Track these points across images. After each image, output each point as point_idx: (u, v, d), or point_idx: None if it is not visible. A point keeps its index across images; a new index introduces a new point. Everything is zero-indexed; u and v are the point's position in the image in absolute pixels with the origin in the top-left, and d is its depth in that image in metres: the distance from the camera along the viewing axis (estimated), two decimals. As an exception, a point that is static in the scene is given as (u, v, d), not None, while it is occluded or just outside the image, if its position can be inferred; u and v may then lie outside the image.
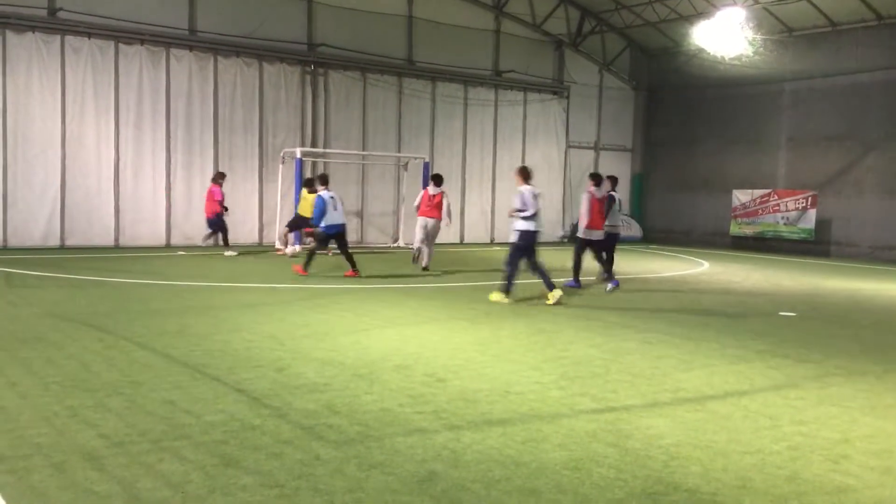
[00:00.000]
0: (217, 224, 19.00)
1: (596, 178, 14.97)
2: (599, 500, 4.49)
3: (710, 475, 4.94)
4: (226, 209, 19.03)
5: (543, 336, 9.57)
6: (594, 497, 4.54)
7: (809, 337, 10.22)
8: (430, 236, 16.41)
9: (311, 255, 15.20)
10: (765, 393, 7.14)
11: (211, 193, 19.06)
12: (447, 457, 5.12)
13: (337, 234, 15.01)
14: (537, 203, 12.44)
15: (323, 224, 14.76)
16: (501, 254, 22.54)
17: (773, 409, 6.55)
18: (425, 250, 16.46)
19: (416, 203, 16.79)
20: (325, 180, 15.72)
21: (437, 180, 16.76)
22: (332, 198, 14.92)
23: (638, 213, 30.63)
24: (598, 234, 14.52)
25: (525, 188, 12.53)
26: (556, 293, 12.26)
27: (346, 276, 14.92)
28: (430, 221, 16.25)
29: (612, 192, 15.42)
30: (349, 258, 15.23)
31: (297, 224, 18.92)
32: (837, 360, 8.67)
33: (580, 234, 14.64)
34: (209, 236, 19.34)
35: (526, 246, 12.44)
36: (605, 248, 15.16)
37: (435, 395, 6.62)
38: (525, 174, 12.74)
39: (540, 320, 10.74)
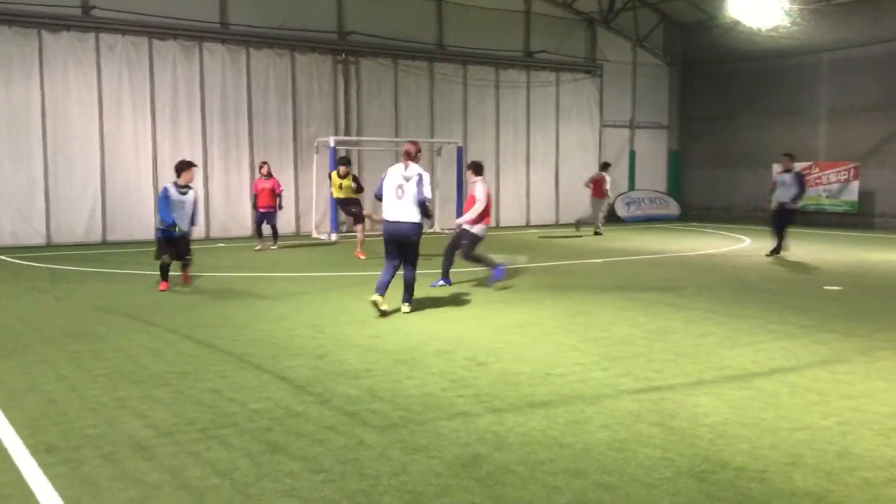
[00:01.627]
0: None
1: (477, 168, 12.35)
2: (646, 480, 4.45)
3: (759, 452, 4.88)
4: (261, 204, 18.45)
5: (584, 317, 9.51)
6: (640, 477, 4.50)
7: (855, 311, 10.03)
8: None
9: (182, 264, 12.19)
10: (812, 368, 7.04)
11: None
12: (491, 440, 5.11)
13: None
14: None
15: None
16: (534, 236, 22.51)
17: (821, 385, 6.45)
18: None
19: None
20: (180, 168, 12.05)
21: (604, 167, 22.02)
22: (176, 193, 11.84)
23: (675, 190, 30.29)
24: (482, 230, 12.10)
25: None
26: None
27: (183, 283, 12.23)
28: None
29: (797, 171, 16.24)
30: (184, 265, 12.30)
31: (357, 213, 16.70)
32: (885, 334, 8.51)
33: (475, 230, 11.87)
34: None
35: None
36: (782, 223, 16.00)
37: (476, 379, 6.62)
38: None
39: (580, 301, 10.67)
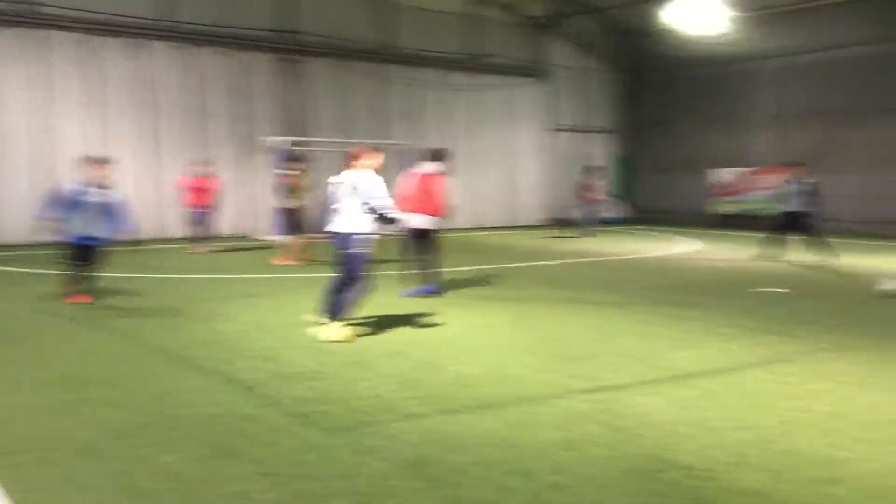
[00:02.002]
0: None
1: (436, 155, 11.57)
2: (596, 480, 4.50)
3: (705, 452, 4.96)
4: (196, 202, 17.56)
5: (534, 319, 9.57)
6: (590, 475, 4.55)
7: (800, 313, 10.25)
8: None
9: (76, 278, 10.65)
10: (757, 369, 7.17)
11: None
12: (442, 441, 5.12)
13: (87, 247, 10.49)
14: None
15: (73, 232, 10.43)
16: (487, 239, 22.59)
17: (766, 385, 6.58)
18: None
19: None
20: (87, 163, 10.68)
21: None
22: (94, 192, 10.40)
23: (624, 194, 30.64)
24: (423, 221, 11.10)
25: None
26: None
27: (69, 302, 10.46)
28: None
29: (812, 182, 16.34)
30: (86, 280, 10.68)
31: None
32: (828, 336, 8.70)
33: (414, 222, 10.91)
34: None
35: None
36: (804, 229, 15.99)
37: (428, 381, 6.62)
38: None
39: (532, 303, 10.75)
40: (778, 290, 12.26)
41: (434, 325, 9.15)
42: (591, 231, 23.41)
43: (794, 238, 16.31)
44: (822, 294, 12.14)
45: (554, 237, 22.60)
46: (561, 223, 24.90)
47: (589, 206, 24.14)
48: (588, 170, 24.65)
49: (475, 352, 7.75)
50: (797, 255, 16.23)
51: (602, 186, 25.15)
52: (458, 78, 26.45)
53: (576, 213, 24.80)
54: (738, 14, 23.81)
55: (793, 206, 16.20)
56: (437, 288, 11.24)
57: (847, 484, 4.48)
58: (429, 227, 11.23)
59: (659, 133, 29.62)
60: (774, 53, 25.66)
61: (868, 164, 23.78)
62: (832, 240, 16.35)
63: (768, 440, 5.19)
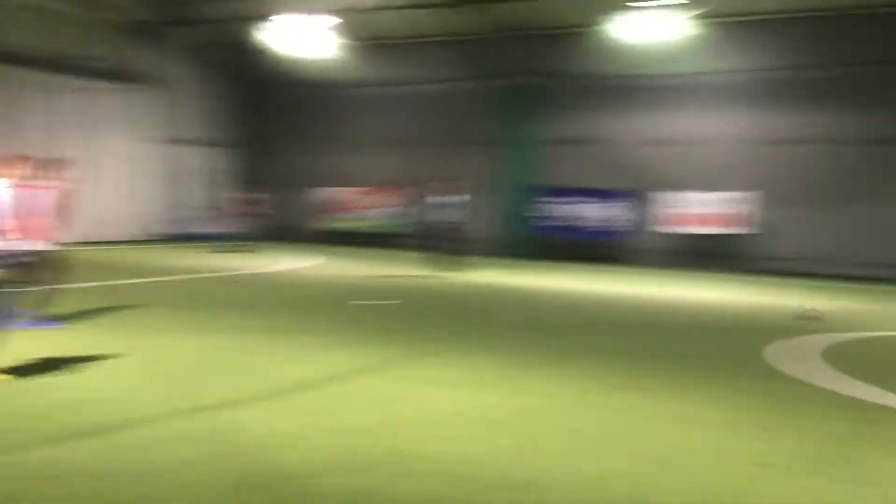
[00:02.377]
0: None
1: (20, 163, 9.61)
2: (196, 500, 4.45)
3: (308, 459, 5.15)
4: None
5: (150, 339, 9.11)
6: (190, 497, 4.48)
7: (405, 323, 11.09)
8: None
9: None
10: (363, 376, 7.63)
11: None
12: (31, 475, 4.71)
13: None
14: None
15: None
16: (107, 255, 21.06)
17: (371, 391, 7.04)
18: None
19: None
20: None
21: None
22: None
23: (247, 209, 30.47)
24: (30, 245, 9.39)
25: None
26: None
27: None
28: None
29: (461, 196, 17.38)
30: None
31: None
32: (429, 343, 9.52)
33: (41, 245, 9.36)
34: None
35: None
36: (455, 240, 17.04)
37: (22, 410, 6.03)
38: None
39: (148, 324, 10.24)
40: (390, 301, 13.10)
41: (37, 350, 8.31)
42: (228, 246, 23.03)
43: (434, 251, 17.67)
44: (425, 305, 13.18)
45: (211, 252, 21.96)
46: (184, 238, 24.11)
47: (226, 221, 23.77)
48: (224, 184, 24.15)
49: (80, 377, 7.20)
50: (427, 268, 17.56)
51: (239, 201, 24.79)
52: (64, 81, 24.37)
53: (207, 228, 24.22)
54: (346, 42, 24.90)
55: (431, 219, 17.74)
56: (54, 319, 9.82)
57: (433, 476, 4.93)
58: (43, 249, 9.64)
59: (277, 150, 30.07)
60: (381, 82, 27.52)
61: (471, 187, 26.39)
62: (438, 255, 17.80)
63: (365, 443, 5.53)
